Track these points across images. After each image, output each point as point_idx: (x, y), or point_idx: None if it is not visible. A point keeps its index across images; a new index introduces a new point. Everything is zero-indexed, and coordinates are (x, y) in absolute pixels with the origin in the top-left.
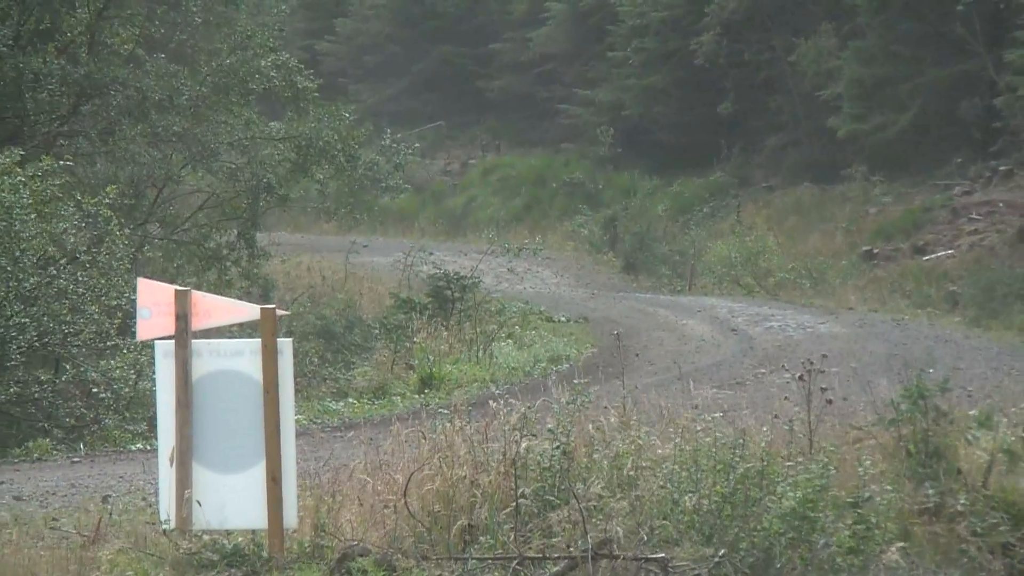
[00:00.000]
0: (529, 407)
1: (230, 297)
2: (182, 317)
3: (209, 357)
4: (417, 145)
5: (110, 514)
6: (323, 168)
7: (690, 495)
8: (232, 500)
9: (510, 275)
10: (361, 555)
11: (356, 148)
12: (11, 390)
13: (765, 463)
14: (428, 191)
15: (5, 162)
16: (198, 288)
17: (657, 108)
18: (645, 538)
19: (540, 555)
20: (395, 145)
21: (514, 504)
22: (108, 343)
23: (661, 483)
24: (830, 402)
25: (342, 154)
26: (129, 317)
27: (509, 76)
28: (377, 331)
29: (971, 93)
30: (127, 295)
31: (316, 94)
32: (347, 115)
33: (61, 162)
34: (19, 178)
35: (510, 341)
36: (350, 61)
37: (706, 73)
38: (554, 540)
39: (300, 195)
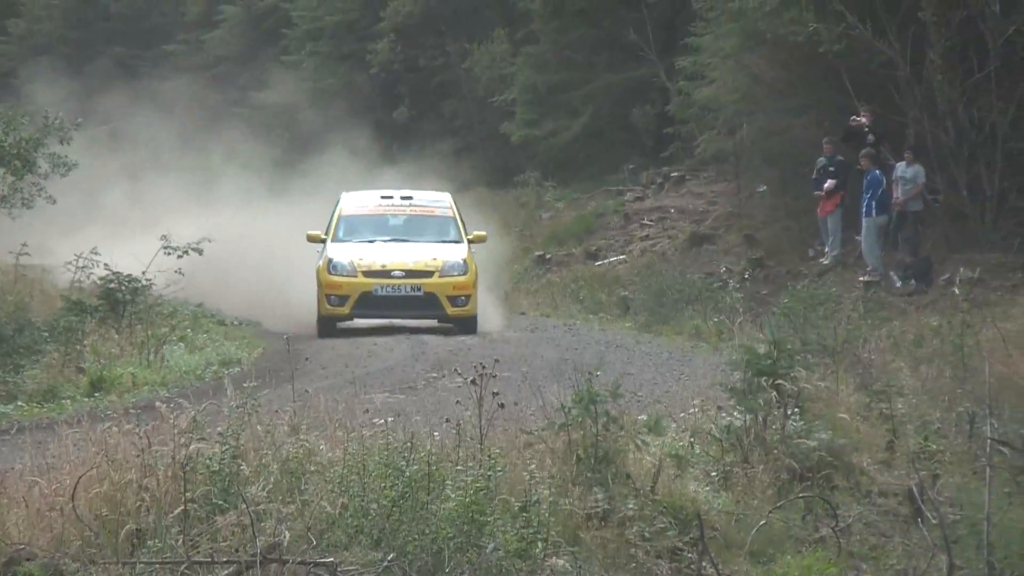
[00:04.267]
0: (199, 410)
1: None
2: None
3: None
4: (80, 121)
5: None
6: None
7: (359, 499)
8: None
9: (181, 277)
10: (27, 559)
11: (32, 152)
12: None
13: (434, 467)
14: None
15: None
16: None
17: (332, 111)
18: (314, 542)
19: (209, 559)
20: (58, 121)
21: (183, 508)
22: None
23: (330, 487)
24: (502, 406)
25: (17, 158)
26: None
27: (183, 78)
28: (47, 334)
29: (644, 99)
30: None
31: None
32: (23, 120)
33: None
34: None
35: (182, 344)
36: (22, 62)
37: (381, 78)
38: (223, 544)
39: None
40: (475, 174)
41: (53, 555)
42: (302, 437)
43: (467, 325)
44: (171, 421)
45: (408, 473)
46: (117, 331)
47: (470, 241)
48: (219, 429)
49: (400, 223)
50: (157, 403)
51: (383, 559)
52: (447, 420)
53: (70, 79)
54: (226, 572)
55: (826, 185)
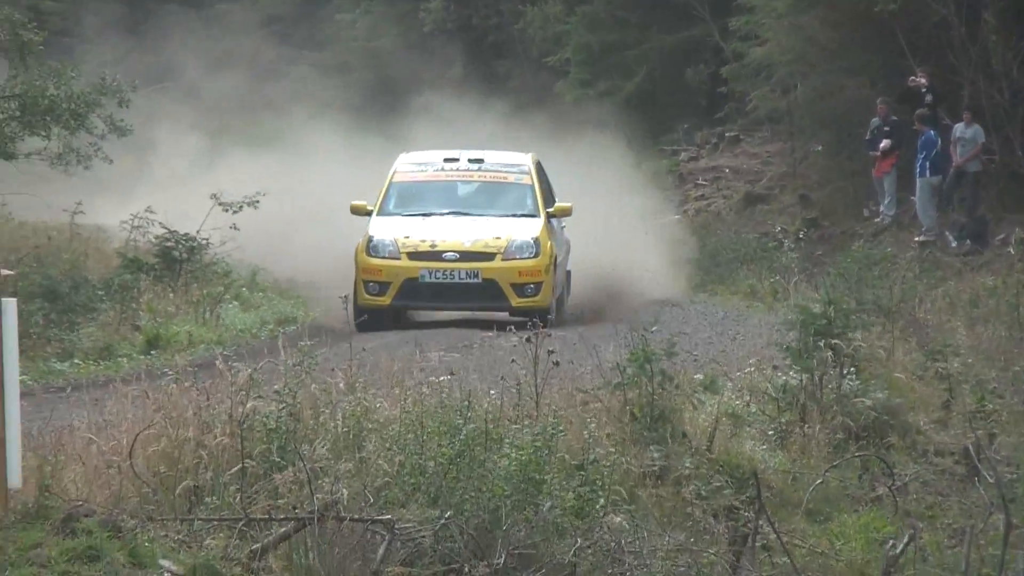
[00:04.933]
0: (256, 368)
1: None
2: None
3: None
4: (137, 83)
5: None
6: (49, 126)
7: (416, 457)
8: None
9: (237, 232)
10: (86, 515)
11: (84, 107)
12: None
13: (491, 425)
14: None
15: None
16: None
17: (387, 71)
18: (371, 500)
19: (266, 516)
20: (115, 83)
21: (240, 465)
22: None
23: (387, 445)
24: (557, 364)
25: (68, 113)
26: None
27: (237, 36)
28: (103, 292)
29: (697, 59)
30: None
31: (41, 47)
32: (72, 74)
33: None
34: None
35: (237, 303)
36: (75, 20)
37: (434, 38)
38: (280, 502)
39: (27, 154)
40: (529, 135)
41: (111, 512)
42: (359, 395)
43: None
44: (228, 379)
45: (465, 431)
46: (173, 289)
47: (551, 215)
48: (276, 387)
49: (465, 192)
50: (215, 361)
51: (440, 517)
52: (503, 378)
53: (124, 38)
54: (284, 529)
55: (881, 145)
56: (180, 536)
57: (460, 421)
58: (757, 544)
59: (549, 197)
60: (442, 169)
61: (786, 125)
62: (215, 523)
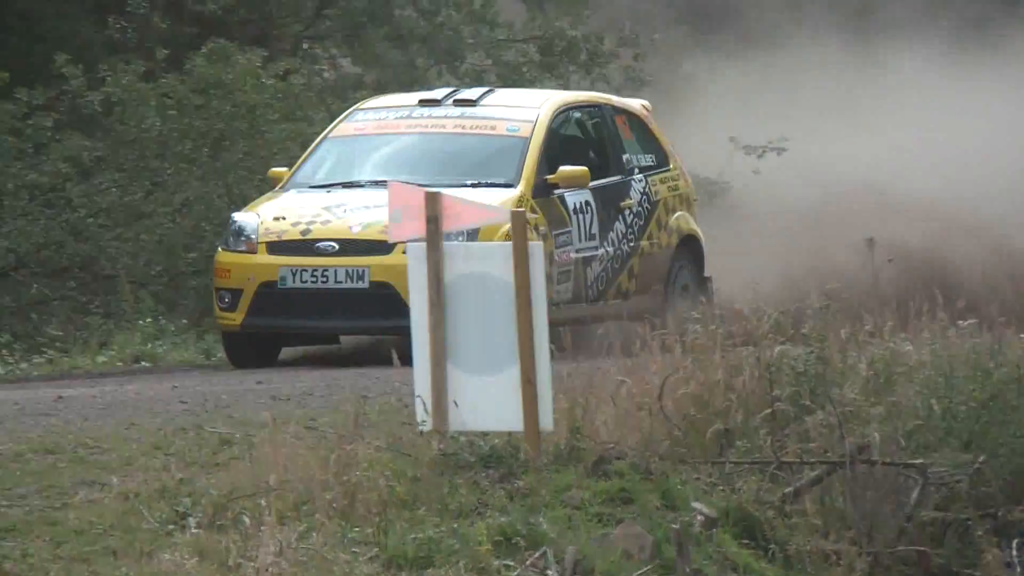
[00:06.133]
0: (782, 312)
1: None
2: (433, 220)
3: (461, 260)
4: (657, 36)
5: (366, 415)
6: (567, 71)
7: (946, 401)
8: (487, 402)
9: (756, 176)
10: (617, 458)
11: (600, 45)
12: None
13: (1022, 370)
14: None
15: (248, 63)
16: None
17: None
18: (903, 444)
19: (797, 460)
20: (634, 36)
21: (769, 409)
22: None
23: (917, 389)
24: None
25: (586, 52)
26: None
27: None
28: None
29: None
30: None
31: None
32: (587, 12)
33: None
34: (262, 79)
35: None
36: None
37: None
38: (811, 445)
39: None
40: None
41: (642, 454)
42: (887, 339)
43: None
44: (753, 322)
45: (996, 375)
46: None
47: (550, 184)
48: (803, 330)
49: (430, 151)
50: (735, 304)
51: (973, 461)
52: None
53: None
54: (815, 473)
55: None
56: (711, 479)
57: (991, 365)
58: None
59: (584, 160)
60: (408, 116)
61: None
62: (746, 466)
